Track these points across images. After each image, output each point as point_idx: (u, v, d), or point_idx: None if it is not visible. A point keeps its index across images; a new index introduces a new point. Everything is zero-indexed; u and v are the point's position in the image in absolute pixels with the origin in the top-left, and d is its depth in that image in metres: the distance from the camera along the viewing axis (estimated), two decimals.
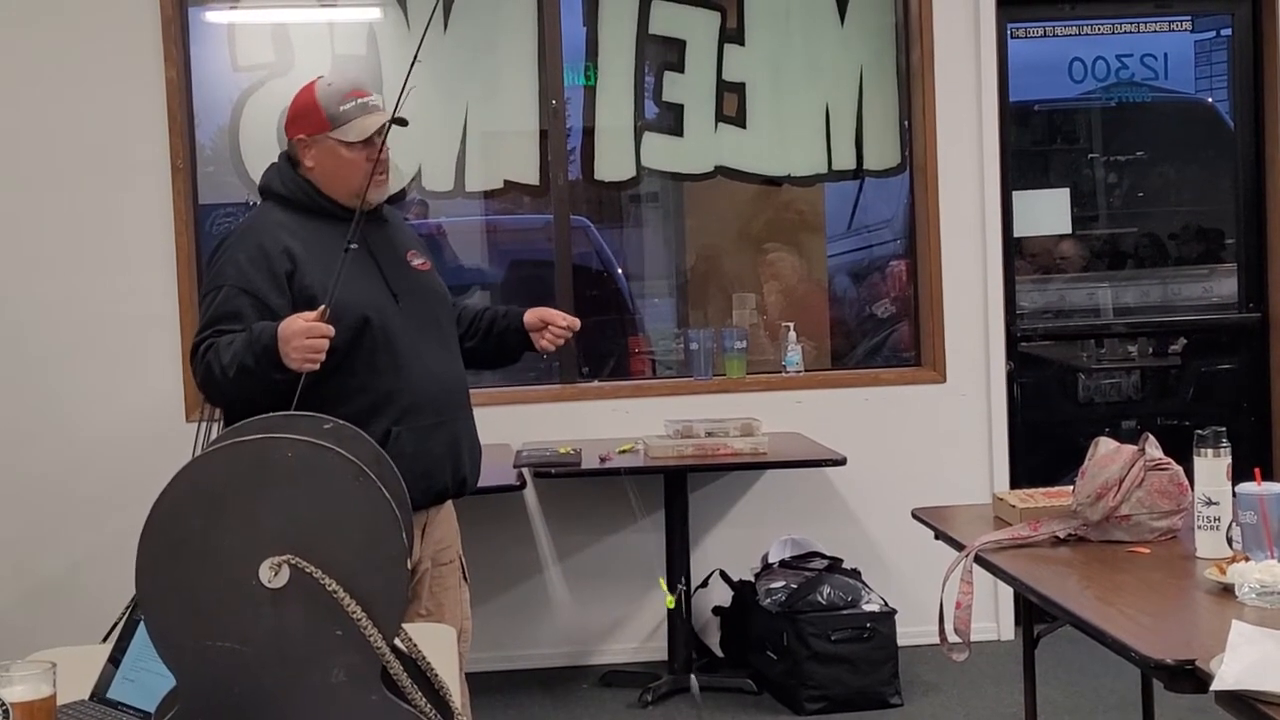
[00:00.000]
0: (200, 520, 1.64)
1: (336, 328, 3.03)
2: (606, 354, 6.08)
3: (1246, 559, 2.63)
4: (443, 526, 3.38)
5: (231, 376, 3.03)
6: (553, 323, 3.48)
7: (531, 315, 3.50)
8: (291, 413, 2.13)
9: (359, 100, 3.26)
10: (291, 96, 3.38)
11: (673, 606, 5.02)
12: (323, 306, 2.97)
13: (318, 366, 2.95)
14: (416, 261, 3.39)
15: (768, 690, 5.03)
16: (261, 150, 5.25)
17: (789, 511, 5.52)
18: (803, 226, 6.42)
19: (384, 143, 3.23)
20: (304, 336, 2.94)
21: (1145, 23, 6.05)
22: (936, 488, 5.07)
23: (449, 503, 3.42)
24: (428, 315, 3.33)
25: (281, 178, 3.32)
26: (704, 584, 5.40)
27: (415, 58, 3.11)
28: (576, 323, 3.52)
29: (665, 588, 4.96)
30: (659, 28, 5.70)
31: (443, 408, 3.27)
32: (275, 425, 1.92)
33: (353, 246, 3.02)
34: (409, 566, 1.72)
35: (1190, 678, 2.23)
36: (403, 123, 3.25)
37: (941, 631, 3.16)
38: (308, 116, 3.27)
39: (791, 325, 5.74)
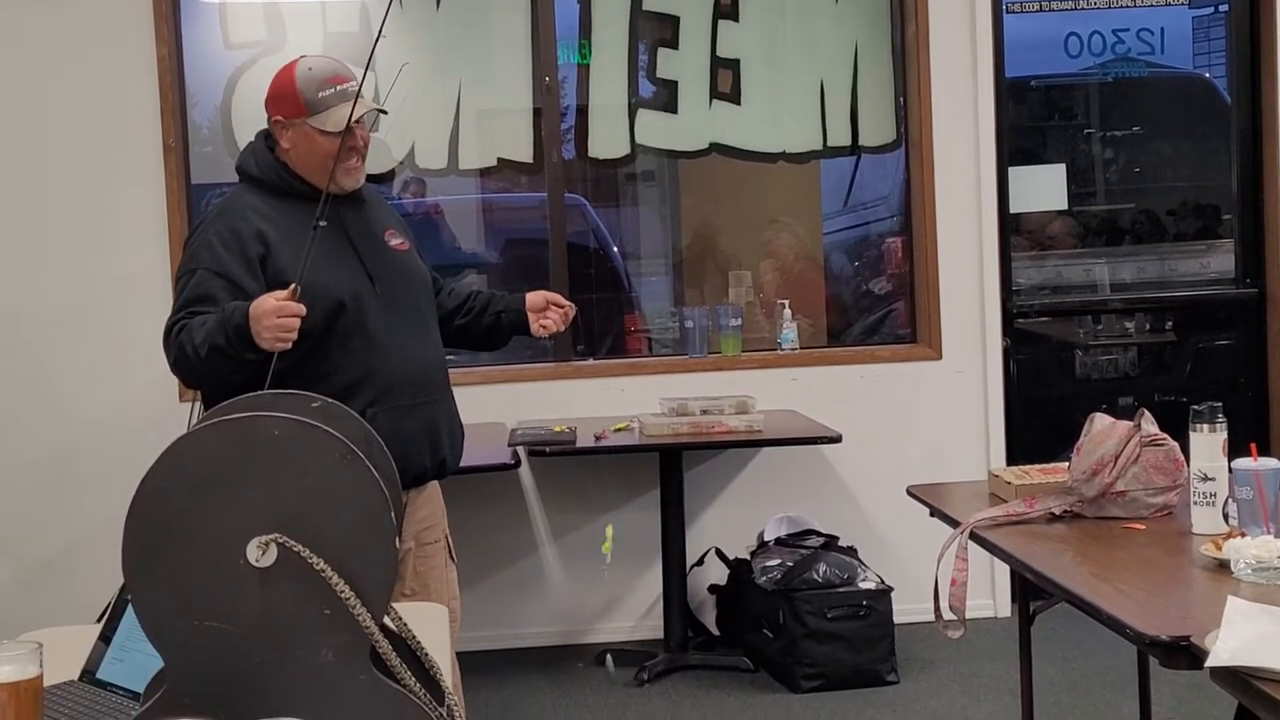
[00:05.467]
0: (186, 500, 1.63)
1: (311, 311, 3.02)
2: (602, 332, 6.07)
3: (1242, 535, 2.62)
4: (426, 506, 3.37)
5: (204, 356, 3.03)
6: (555, 303, 3.47)
7: (536, 295, 3.49)
8: (279, 391, 2.12)
9: (338, 88, 3.21)
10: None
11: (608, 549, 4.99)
12: (293, 285, 2.96)
13: (289, 346, 2.95)
14: (395, 241, 3.36)
15: (764, 668, 5.03)
16: (253, 129, 5.19)
17: (785, 489, 5.51)
18: (798, 203, 6.40)
19: (357, 125, 3.21)
20: (275, 315, 2.93)
21: None
22: (932, 465, 5.07)
23: (434, 483, 3.40)
24: (405, 296, 3.31)
25: (256, 159, 3.30)
26: (700, 562, 5.39)
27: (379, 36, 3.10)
28: (574, 309, 3.53)
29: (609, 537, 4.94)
30: (653, 4, 5.68)
31: (419, 389, 3.25)
32: (262, 404, 1.90)
33: (321, 224, 3.00)
34: (398, 546, 1.70)
35: (1185, 654, 2.22)
36: (381, 113, 3.25)
37: (937, 609, 3.16)
38: (286, 100, 3.24)
39: (787, 303, 5.72)
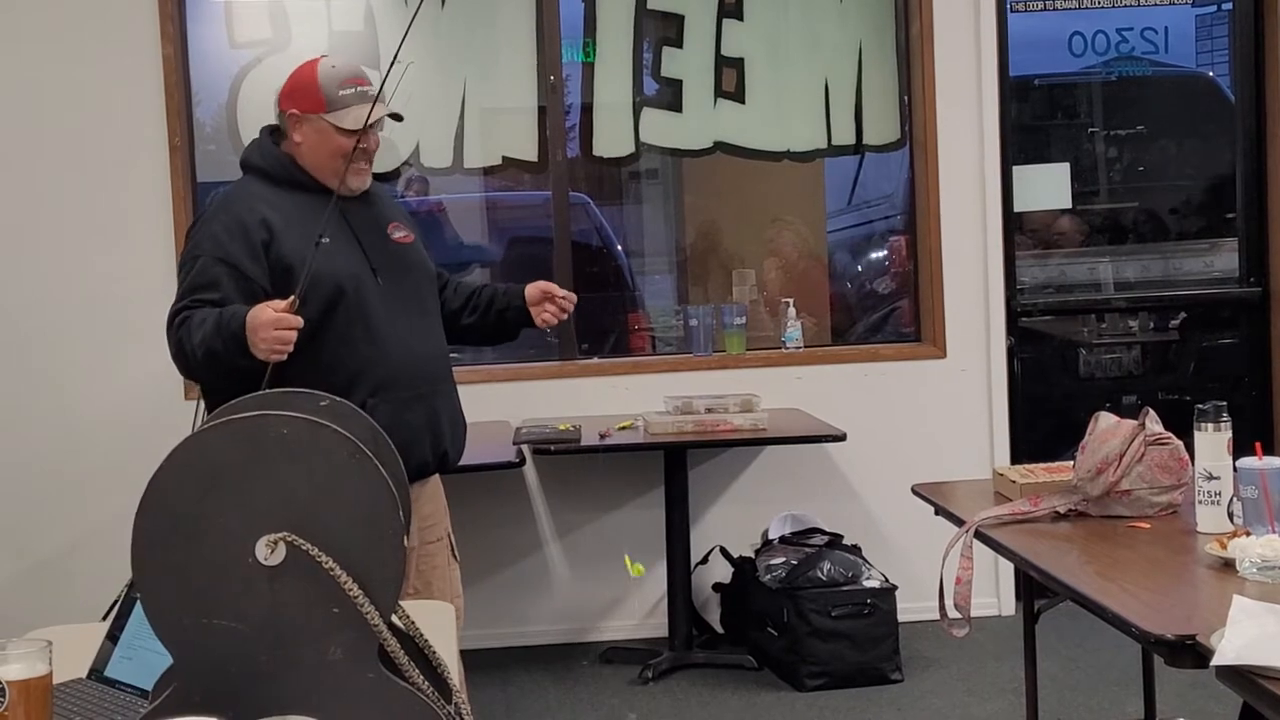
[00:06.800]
0: (196, 498, 1.63)
1: (311, 298, 3.03)
2: (606, 330, 6.08)
3: (1247, 534, 2.63)
4: (429, 504, 3.37)
5: (200, 358, 3.05)
6: (554, 294, 3.47)
7: (533, 289, 3.49)
8: (287, 390, 2.12)
9: (359, 88, 3.25)
10: (289, 73, 3.37)
11: (640, 574, 4.99)
12: (292, 297, 2.96)
13: (285, 357, 2.95)
14: (398, 234, 3.37)
15: (768, 666, 5.03)
16: (258, 127, 5.20)
17: (789, 487, 5.51)
18: (802, 202, 6.40)
19: (374, 130, 3.24)
20: (272, 327, 2.94)
21: None
22: (937, 463, 5.07)
23: (436, 479, 3.41)
24: (407, 288, 3.31)
25: (261, 151, 3.33)
26: (704, 560, 5.40)
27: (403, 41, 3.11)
28: (574, 297, 3.52)
29: (629, 563, 4.94)
30: (657, 3, 5.68)
31: (420, 381, 3.26)
32: (271, 402, 1.91)
33: (324, 240, 3.01)
34: (406, 544, 1.71)
35: (1191, 653, 2.22)
36: (397, 118, 3.27)
37: (942, 607, 3.16)
38: (305, 94, 3.26)
39: (791, 301, 5.73)
